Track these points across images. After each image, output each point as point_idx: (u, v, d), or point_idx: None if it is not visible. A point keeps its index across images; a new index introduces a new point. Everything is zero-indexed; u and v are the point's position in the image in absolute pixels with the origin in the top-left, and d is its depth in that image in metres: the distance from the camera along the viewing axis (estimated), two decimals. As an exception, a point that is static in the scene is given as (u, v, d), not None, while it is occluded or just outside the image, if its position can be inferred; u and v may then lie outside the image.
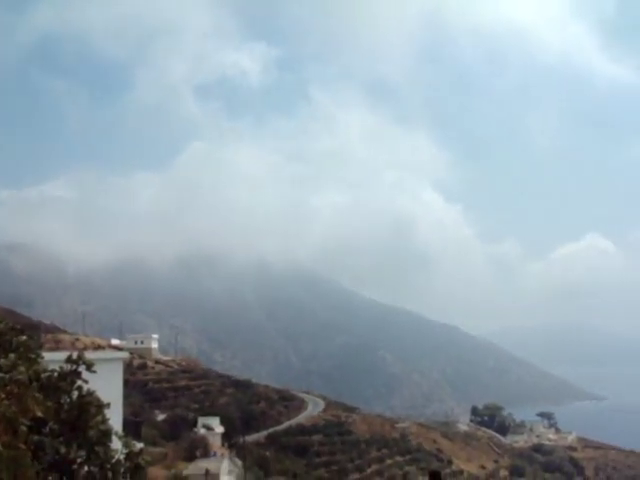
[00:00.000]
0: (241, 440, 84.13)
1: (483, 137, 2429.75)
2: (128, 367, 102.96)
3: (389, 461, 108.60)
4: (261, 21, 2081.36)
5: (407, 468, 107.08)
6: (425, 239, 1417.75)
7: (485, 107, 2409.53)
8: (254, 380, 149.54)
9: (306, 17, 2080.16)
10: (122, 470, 16.02)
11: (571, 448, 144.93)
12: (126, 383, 36.52)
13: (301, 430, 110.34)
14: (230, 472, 70.61)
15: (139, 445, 18.62)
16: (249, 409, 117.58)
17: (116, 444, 16.41)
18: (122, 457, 16.12)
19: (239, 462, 76.62)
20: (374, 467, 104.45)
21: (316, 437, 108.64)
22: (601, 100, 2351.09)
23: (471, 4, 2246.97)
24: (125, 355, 36.50)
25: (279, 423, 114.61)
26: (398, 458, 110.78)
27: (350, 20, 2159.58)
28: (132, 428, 45.73)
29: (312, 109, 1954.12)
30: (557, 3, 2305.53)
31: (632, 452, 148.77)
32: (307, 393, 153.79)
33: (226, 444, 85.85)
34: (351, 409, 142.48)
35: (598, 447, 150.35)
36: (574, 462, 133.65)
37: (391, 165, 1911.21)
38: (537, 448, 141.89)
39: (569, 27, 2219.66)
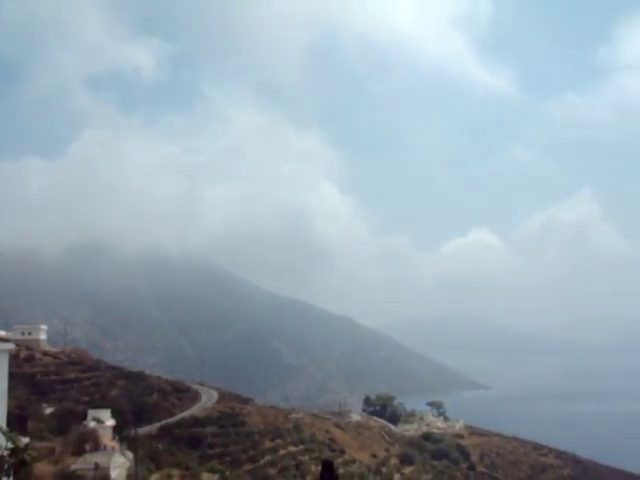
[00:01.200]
0: (132, 433, 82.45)
1: (371, 137, 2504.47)
2: (14, 359, 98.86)
3: (283, 451, 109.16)
4: (156, 17, 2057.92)
5: (300, 458, 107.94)
6: (320, 232, 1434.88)
7: (371, 109, 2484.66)
8: (147, 372, 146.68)
9: (202, 15, 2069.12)
10: (6, 466, 15.34)
11: (458, 436, 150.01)
12: (12, 376, 34.91)
13: (194, 422, 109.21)
14: (120, 466, 69.13)
15: (25, 440, 17.92)
16: (141, 401, 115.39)
17: (0, 439, 15.72)
18: (6, 453, 15.44)
19: (130, 455, 75.11)
20: (268, 458, 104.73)
21: (210, 429, 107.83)
22: (479, 107, 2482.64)
23: (359, 12, 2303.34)
24: (11, 347, 34.90)
25: (172, 415, 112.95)
26: (292, 448, 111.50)
27: (245, 21, 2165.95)
28: (17, 422, 43.97)
29: (207, 106, 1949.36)
30: (437, 16, 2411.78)
31: (514, 438, 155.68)
32: (201, 385, 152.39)
33: (117, 437, 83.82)
34: (245, 400, 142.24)
35: (483, 434, 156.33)
36: (461, 449, 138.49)
37: (285, 161, 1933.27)
38: (426, 436, 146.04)
39: (449, 39, 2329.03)
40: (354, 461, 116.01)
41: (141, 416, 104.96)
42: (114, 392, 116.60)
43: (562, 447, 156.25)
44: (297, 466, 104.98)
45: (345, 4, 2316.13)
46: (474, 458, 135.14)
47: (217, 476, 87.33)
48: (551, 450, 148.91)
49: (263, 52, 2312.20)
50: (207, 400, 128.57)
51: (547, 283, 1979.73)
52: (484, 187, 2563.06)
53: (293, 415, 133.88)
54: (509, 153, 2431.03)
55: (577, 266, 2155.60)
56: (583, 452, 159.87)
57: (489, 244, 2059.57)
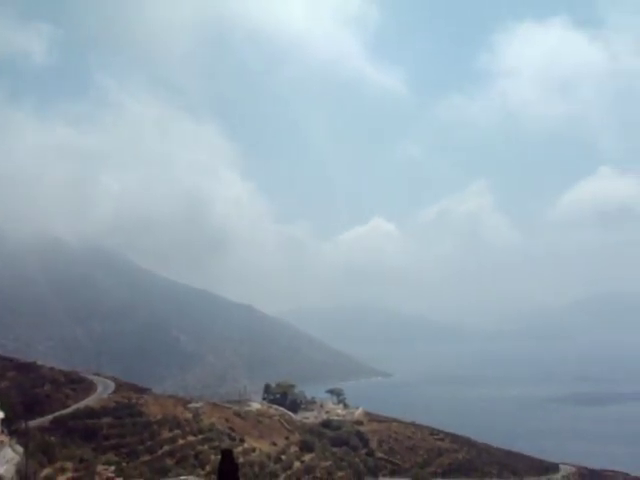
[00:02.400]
0: (23, 426, 78.86)
1: (269, 129, 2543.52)
2: None
3: (181, 442, 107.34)
4: (47, 3, 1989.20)
5: (199, 448, 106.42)
6: (220, 220, 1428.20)
7: (267, 102, 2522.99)
8: (40, 362, 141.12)
9: (95, 4, 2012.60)
10: None
11: (358, 422, 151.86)
12: None
13: (89, 413, 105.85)
14: (9, 461, 65.87)
15: None
16: (33, 393, 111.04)
17: None
18: None
19: (20, 449, 71.80)
20: (166, 448, 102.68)
21: (105, 420, 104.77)
22: (372, 104, 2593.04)
23: (252, 8, 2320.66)
24: None
25: (66, 407, 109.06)
26: (191, 438, 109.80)
27: (140, 13, 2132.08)
28: None
29: (101, 94, 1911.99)
30: (328, 15, 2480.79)
31: (412, 423, 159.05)
32: (97, 375, 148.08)
33: (6, 431, 79.95)
34: (143, 390, 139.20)
35: (382, 420, 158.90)
36: (360, 435, 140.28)
37: (183, 150, 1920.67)
38: (326, 424, 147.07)
39: (340, 38, 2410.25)
40: (254, 450, 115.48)
41: (32, 408, 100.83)
42: (3, 384, 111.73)
43: (458, 432, 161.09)
44: (196, 456, 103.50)
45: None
46: (373, 444, 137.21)
47: (113, 468, 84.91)
48: (447, 435, 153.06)
49: (157, 45, 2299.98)
50: (103, 390, 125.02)
51: (444, 272, 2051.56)
52: (380, 179, 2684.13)
53: (192, 404, 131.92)
54: (402, 148, 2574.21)
55: (471, 255, 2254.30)
56: (478, 436, 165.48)
57: (387, 233, 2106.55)
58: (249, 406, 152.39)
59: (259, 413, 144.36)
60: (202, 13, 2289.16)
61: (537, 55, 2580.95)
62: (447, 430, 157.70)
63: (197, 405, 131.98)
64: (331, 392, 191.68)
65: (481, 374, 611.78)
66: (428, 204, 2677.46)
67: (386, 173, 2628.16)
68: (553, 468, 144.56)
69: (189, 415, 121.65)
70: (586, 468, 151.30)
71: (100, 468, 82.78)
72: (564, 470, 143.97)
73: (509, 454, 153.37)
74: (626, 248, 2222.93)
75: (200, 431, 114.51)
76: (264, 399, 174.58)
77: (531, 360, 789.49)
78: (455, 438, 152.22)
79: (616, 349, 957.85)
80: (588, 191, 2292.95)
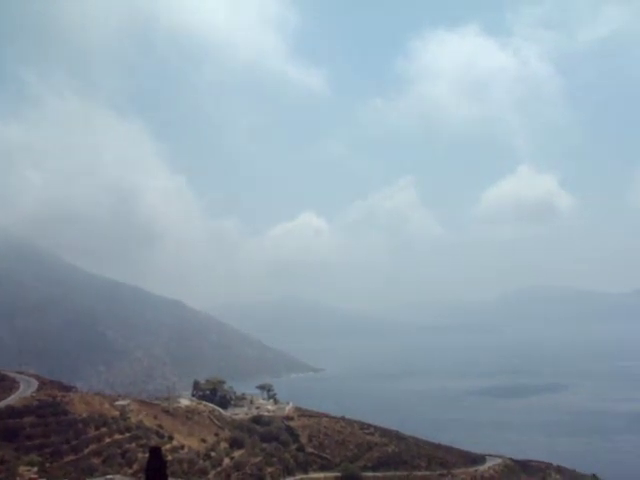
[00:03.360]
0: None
1: (195, 125, 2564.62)
2: None
3: (108, 440, 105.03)
4: None
5: (127, 446, 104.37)
6: (149, 214, 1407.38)
7: (191, 99, 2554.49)
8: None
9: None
10: None
11: (288, 418, 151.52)
12: None
13: (10, 412, 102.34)
14: None
15: None
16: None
17: None
18: None
19: None
20: (92, 447, 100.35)
21: (28, 419, 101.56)
22: (295, 103, 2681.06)
23: (174, 7, 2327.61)
24: None
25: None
26: (117, 436, 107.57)
27: (64, 6, 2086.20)
28: None
29: (21, 87, 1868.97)
30: (250, 16, 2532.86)
31: (342, 418, 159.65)
32: (20, 373, 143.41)
33: None
34: (68, 388, 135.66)
35: (313, 415, 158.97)
36: (290, 431, 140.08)
37: (108, 145, 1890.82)
38: (256, 419, 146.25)
39: (261, 39, 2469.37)
40: (183, 447, 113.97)
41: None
42: None
43: (388, 425, 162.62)
44: (123, 454, 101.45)
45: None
46: (303, 439, 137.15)
47: (36, 469, 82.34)
48: (377, 429, 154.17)
49: (79, 41, 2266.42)
50: (25, 389, 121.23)
51: (373, 267, 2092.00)
52: (309, 175, 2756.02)
53: (119, 402, 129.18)
54: (328, 146, 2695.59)
55: (400, 250, 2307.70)
56: (407, 429, 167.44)
57: (316, 228, 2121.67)
58: (178, 403, 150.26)
59: (188, 410, 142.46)
60: (125, 10, 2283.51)
61: (452, 60, 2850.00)
62: (377, 424, 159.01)
63: (124, 402, 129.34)
64: (261, 388, 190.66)
65: (411, 368, 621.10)
66: (356, 200, 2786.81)
67: (314, 170, 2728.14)
68: (480, 460, 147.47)
69: (116, 413, 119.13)
70: (511, 459, 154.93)
71: (22, 469, 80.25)
72: (491, 461, 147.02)
73: (437, 447, 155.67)
74: (545, 242, 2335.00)
75: (127, 429, 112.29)
76: (193, 396, 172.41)
77: (459, 353, 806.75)
78: (385, 432, 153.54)
79: (538, 341, 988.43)
80: (508, 188, 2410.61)
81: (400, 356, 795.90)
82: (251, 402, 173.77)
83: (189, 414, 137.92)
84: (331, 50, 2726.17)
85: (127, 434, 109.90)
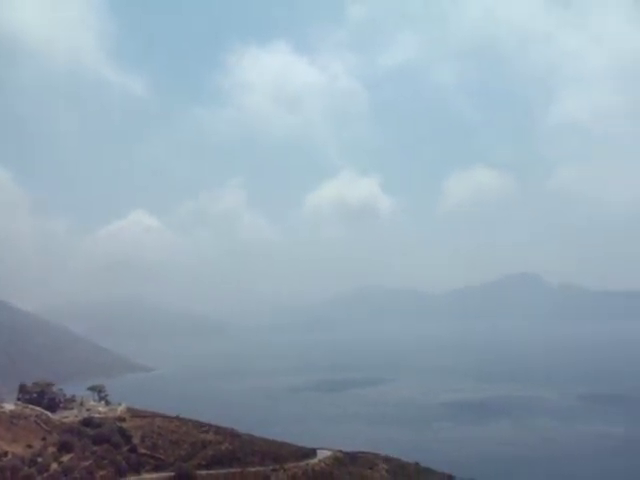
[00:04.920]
0: None
1: (18, 124, 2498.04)
2: None
3: None
4: None
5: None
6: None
7: (15, 99, 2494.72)
8: None
9: None
10: None
11: (120, 419, 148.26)
12: None
13: None
14: None
15: None
16: None
17: None
18: None
19: None
20: None
21: None
22: (116, 106, 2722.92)
23: None
24: None
25: None
26: None
27: None
28: None
29: None
30: (70, 20, 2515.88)
31: (177, 418, 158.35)
32: None
33: None
34: None
35: (146, 416, 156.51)
36: (122, 432, 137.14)
37: None
38: (87, 422, 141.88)
39: (81, 42, 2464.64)
40: (6, 454, 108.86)
41: None
42: None
43: (223, 423, 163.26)
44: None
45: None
46: (136, 440, 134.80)
47: None
48: (212, 427, 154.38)
49: None
50: None
51: (209, 266, 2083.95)
52: (135, 174, 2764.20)
53: None
54: (150, 148, 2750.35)
55: (233, 250, 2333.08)
56: (242, 426, 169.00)
57: (149, 227, 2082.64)
58: (1, 408, 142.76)
59: (13, 415, 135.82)
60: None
61: (266, 74, 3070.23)
62: (212, 422, 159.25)
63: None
64: (92, 389, 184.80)
65: (248, 367, 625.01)
66: (185, 198, 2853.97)
67: (141, 170, 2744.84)
68: (311, 453, 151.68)
69: None
70: (341, 451, 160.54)
71: None
72: (321, 454, 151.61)
73: (271, 442, 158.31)
74: (371, 243, 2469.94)
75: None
76: (19, 399, 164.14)
77: (295, 351, 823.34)
78: (220, 430, 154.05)
79: (369, 339, 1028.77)
80: (332, 191, 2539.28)
81: (238, 355, 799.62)
82: (81, 404, 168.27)
83: (14, 419, 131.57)
84: (152, 59, 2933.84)
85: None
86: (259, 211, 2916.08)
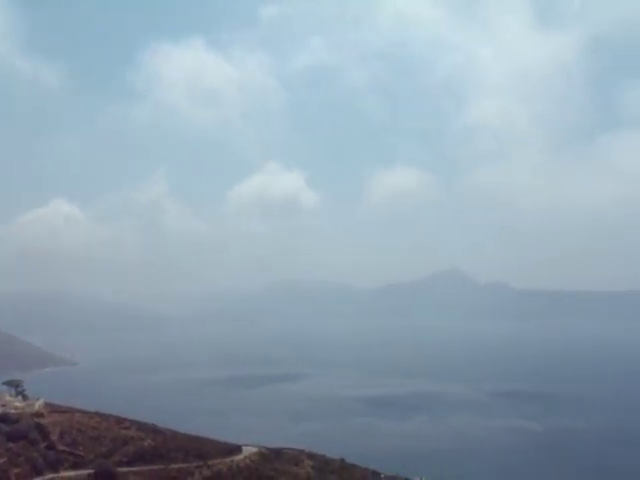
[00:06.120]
0: None
1: None
2: None
3: None
4: None
5: None
6: None
7: None
8: None
9: None
10: None
11: (38, 415, 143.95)
12: None
13: None
14: None
15: None
16: None
17: None
18: None
19: None
20: None
21: None
22: (24, 96, 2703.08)
23: None
24: None
25: None
26: None
27: None
28: None
29: None
30: None
31: (97, 413, 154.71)
32: None
33: None
34: None
35: (65, 411, 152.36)
36: (40, 428, 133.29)
37: None
38: (2, 418, 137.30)
39: None
40: None
41: None
42: None
43: (146, 419, 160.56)
44: None
45: None
46: (54, 437, 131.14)
47: None
48: (134, 423, 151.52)
49: None
50: None
51: (130, 258, 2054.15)
52: (53, 166, 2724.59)
53: None
54: (69, 138, 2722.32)
55: (155, 243, 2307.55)
56: (164, 422, 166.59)
57: (68, 217, 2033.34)
58: None
59: None
60: None
61: (181, 70, 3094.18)
62: (134, 418, 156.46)
63: None
64: (9, 384, 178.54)
65: (172, 360, 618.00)
66: (110, 190, 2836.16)
67: (64, 160, 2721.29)
68: (236, 450, 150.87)
69: None
70: (266, 447, 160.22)
71: None
72: (246, 451, 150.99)
73: (195, 438, 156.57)
74: (299, 237, 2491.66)
75: None
76: None
77: (220, 345, 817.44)
78: (142, 426, 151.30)
79: (294, 333, 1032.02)
80: (257, 185, 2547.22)
81: (163, 348, 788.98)
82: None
83: None
84: (69, 53, 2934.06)
85: None
86: (183, 204, 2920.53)
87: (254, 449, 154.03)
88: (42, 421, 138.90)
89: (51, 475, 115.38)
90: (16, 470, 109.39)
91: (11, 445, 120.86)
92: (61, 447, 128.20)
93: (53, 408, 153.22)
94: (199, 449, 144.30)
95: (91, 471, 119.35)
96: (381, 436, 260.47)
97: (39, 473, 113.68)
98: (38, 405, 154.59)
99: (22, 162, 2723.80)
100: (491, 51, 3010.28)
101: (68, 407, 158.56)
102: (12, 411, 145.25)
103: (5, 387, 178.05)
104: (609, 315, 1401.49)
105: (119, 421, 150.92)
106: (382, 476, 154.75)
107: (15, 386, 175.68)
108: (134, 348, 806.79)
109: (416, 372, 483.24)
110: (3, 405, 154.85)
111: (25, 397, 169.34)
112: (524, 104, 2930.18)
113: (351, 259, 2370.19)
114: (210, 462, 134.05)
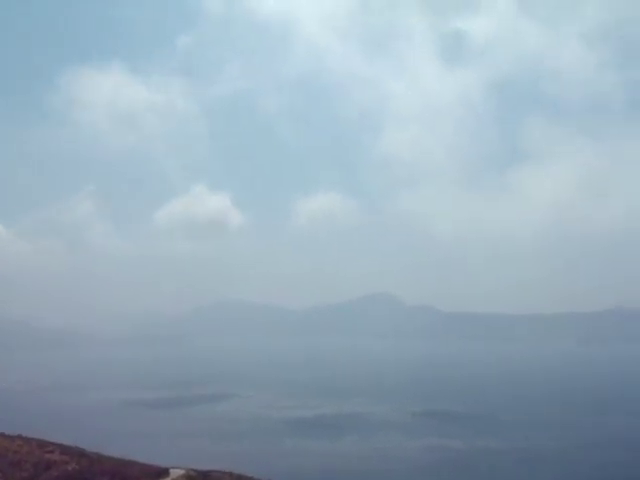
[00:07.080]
0: None
1: None
2: None
3: None
4: None
5: None
6: None
7: None
8: None
9: None
10: None
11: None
12: None
13: None
14: None
15: None
16: None
17: None
18: None
19: None
20: None
21: None
22: None
23: None
24: None
25: None
26: None
27: None
28: None
29: None
30: None
31: (19, 436, 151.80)
32: None
33: None
34: None
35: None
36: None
37: None
38: None
39: None
40: None
41: None
42: None
43: (66, 441, 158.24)
44: None
45: None
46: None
47: None
48: (57, 446, 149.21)
49: None
50: None
51: (54, 277, 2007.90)
52: None
53: None
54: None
55: (81, 263, 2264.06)
56: (85, 443, 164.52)
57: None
58: None
59: None
60: None
61: (101, 94, 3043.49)
62: (57, 441, 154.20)
63: None
64: None
65: (96, 381, 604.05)
66: (34, 210, 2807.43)
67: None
68: (163, 472, 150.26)
69: None
70: (194, 470, 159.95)
71: None
72: (174, 473, 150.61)
73: (121, 462, 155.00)
74: (225, 258, 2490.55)
75: None
76: None
77: (144, 366, 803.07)
78: (66, 449, 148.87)
79: (223, 354, 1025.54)
80: (183, 207, 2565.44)
81: (84, 368, 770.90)
82: None
83: None
84: None
85: None
86: (109, 224, 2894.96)
87: (181, 471, 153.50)
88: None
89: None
90: None
91: None
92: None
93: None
94: (125, 472, 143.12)
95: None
96: (309, 456, 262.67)
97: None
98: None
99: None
100: (404, 85, 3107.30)
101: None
102: None
103: None
104: (534, 338, 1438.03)
105: (42, 445, 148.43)
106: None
107: None
108: (49, 368, 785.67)
109: (346, 392, 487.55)
110: None
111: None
112: (437, 137, 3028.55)
113: (279, 281, 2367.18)
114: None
